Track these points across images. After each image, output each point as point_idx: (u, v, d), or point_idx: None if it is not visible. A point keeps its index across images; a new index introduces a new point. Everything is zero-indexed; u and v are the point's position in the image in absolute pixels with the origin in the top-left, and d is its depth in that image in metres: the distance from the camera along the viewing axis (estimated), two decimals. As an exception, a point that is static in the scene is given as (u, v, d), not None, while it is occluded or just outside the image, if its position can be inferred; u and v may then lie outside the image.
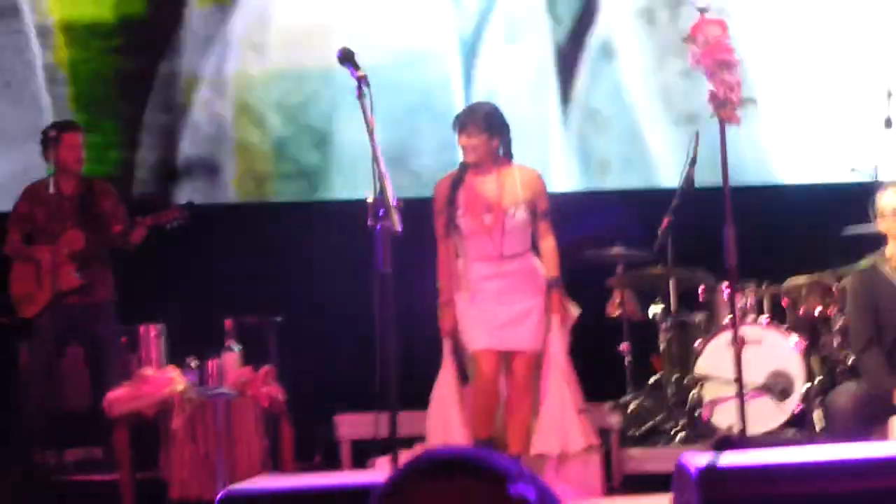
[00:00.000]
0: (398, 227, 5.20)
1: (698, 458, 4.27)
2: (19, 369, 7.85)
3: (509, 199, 6.83)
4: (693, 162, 7.83)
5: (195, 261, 8.42)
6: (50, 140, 7.71)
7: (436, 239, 6.92)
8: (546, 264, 6.92)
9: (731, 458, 4.34)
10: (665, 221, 7.82)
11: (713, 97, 5.88)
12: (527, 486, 1.78)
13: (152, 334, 7.42)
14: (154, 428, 7.14)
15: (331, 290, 8.24)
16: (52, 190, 7.65)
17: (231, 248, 8.60)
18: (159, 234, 7.73)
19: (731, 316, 6.77)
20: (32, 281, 7.66)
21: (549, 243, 6.95)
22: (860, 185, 7.87)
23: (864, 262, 7.00)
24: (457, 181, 6.88)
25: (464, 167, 6.90)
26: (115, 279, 7.88)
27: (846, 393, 6.88)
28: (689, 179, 7.83)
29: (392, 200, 5.21)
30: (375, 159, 5.28)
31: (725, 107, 5.76)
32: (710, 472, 4.19)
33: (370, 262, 5.33)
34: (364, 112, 5.33)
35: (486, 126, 6.82)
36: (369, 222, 5.24)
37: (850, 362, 7.45)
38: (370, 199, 5.27)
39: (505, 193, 6.84)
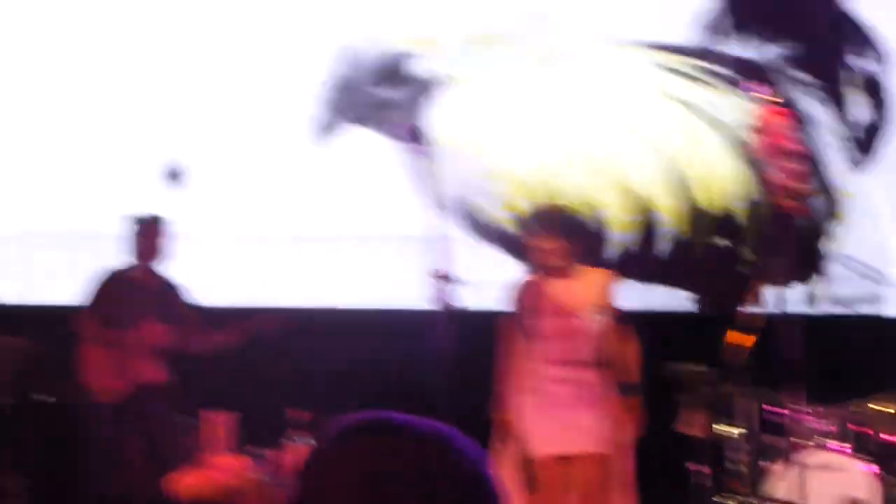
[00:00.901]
0: (458, 301, 5.21)
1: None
2: (85, 453, 7.77)
3: (583, 303, 6.79)
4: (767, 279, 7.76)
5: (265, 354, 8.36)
6: (137, 229, 7.80)
7: (505, 335, 6.89)
8: (628, 368, 6.86)
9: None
10: (745, 339, 7.72)
11: (775, 186, 5.86)
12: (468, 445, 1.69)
13: (221, 421, 7.36)
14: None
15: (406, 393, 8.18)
16: (132, 278, 7.73)
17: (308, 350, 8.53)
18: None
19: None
20: (111, 367, 7.62)
21: (632, 346, 6.90)
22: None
23: None
24: (533, 283, 6.86)
25: (540, 270, 6.88)
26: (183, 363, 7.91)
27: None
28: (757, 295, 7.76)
29: (453, 277, 5.22)
30: (442, 235, 5.30)
31: (787, 195, 5.73)
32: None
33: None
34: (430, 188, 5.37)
35: (565, 230, 6.82)
36: (431, 295, 5.25)
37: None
38: (431, 275, 5.28)
39: (579, 297, 6.81)
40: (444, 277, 5.36)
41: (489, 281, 8.28)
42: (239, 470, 7.05)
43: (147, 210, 8.00)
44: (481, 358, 7.94)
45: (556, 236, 6.80)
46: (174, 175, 8.87)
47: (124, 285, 7.78)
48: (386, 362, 8.23)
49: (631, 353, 6.92)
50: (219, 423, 7.36)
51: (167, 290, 7.86)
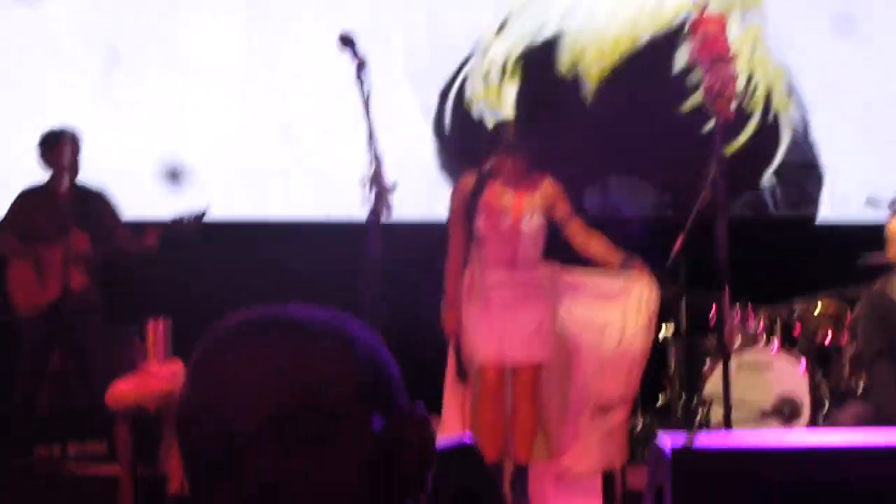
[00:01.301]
0: (391, 209, 5.20)
1: (674, 438, 4.23)
2: (16, 367, 7.84)
3: (526, 205, 6.84)
4: (710, 184, 7.79)
5: (205, 263, 8.41)
6: (47, 144, 7.80)
7: (449, 241, 6.92)
8: (608, 253, 6.94)
9: (707, 439, 4.30)
10: (679, 242, 7.76)
11: (708, 91, 5.87)
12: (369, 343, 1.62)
13: (159, 329, 7.43)
14: (156, 422, 7.14)
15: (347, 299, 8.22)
16: (48, 192, 7.75)
17: (246, 261, 8.58)
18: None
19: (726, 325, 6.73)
20: (34, 280, 7.68)
21: (595, 236, 6.99)
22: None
23: (875, 286, 6.99)
24: (478, 187, 6.87)
25: (483, 173, 6.89)
26: (123, 275, 7.96)
27: (851, 414, 6.84)
28: (703, 200, 7.79)
29: (386, 182, 5.21)
30: (371, 140, 5.29)
31: (720, 99, 5.74)
32: (685, 451, 4.15)
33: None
34: (362, 94, 5.36)
35: (523, 146, 6.85)
36: (362, 204, 5.24)
37: (860, 388, 7.39)
38: (363, 181, 5.27)
39: (523, 199, 6.85)
40: (379, 185, 5.34)
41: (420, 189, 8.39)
42: (174, 376, 7.13)
43: (60, 124, 7.97)
44: (413, 267, 8.03)
45: (516, 152, 6.82)
46: (174, 175, 8.92)
47: (42, 199, 7.79)
48: (320, 272, 8.28)
49: (598, 239, 7.01)
50: (155, 331, 7.43)
51: (88, 199, 7.88)
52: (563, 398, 7.00)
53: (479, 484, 4.48)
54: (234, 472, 1.53)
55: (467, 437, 4.50)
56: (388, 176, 5.24)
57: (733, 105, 5.80)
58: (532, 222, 6.85)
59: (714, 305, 7.99)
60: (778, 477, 4.07)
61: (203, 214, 7.81)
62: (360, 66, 5.40)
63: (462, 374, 6.83)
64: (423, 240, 7.18)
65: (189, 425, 1.57)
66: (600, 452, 6.89)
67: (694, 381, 7.88)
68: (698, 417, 7.63)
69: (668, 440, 4.17)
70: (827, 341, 7.78)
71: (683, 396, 7.88)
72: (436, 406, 6.94)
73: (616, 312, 6.92)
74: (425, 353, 7.01)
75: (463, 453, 4.43)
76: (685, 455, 4.12)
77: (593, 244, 7.00)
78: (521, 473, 6.80)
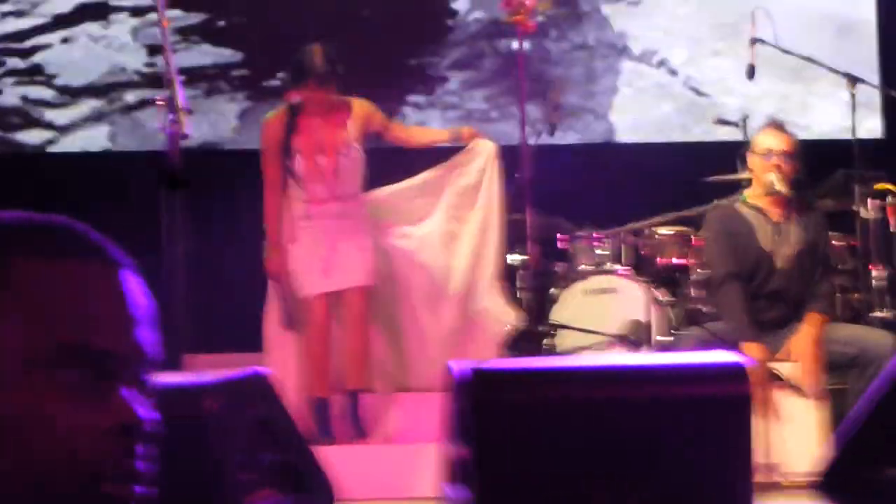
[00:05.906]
0: (186, 129, 5.06)
1: (466, 363, 4.11)
2: None
3: (341, 138, 6.71)
4: (555, 108, 7.71)
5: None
6: None
7: (264, 182, 6.77)
8: (436, 134, 7.18)
9: (501, 363, 4.20)
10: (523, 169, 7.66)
11: (507, 3, 5.72)
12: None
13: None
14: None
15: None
16: None
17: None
18: None
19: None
20: None
21: (413, 128, 7.17)
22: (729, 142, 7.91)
23: (724, 201, 6.94)
24: (290, 125, 6.72)
25: (293, 109, 6.74)
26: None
27: (691, 337, 6.78)
28: (549, 127, 7.71)
29: (182, 103, 5.07)
30: (167, 64, 5.15)
31: (519, 12, 5.58)
32: (477, 376, 4.03)
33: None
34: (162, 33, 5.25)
35: (332, 74, 6.67)
36: (158, 126, 5.11)
37: (706, 310, 7.32)
38: (159, 103, 5.13)
39: (336, 131, 6.71)
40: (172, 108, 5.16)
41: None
42: None
43: None
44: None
45: (322, 82, 6.62)
46: None
47: None
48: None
49: (414, 129, 7.11)
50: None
51: None
52: (398, 324, 6.97)
53: (274, 413, 4.34)
54: None
55: (260, 368, 4.35)
56: (184, 97, 5.11)
57: (533, 19, 5.63)
58: (350, 155, 6.73)
59: (560, 232, 7.92)
60: (567, 398, 3.98)
61: None
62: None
63: (288, 320, 6.72)
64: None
65: None
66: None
67: (542, 307, 7.79)
68: (544, 344, 7.56)
69: (457, 366, 4.05)
70: (674, 263, 7.72)
71: (531, 323, 7.79)
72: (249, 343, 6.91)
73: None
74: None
75: (255, 383, 4.28)
76: (476, 380, 4.00)
77: (419, 135, 7.12)
78: (354, 402, 6.69)
